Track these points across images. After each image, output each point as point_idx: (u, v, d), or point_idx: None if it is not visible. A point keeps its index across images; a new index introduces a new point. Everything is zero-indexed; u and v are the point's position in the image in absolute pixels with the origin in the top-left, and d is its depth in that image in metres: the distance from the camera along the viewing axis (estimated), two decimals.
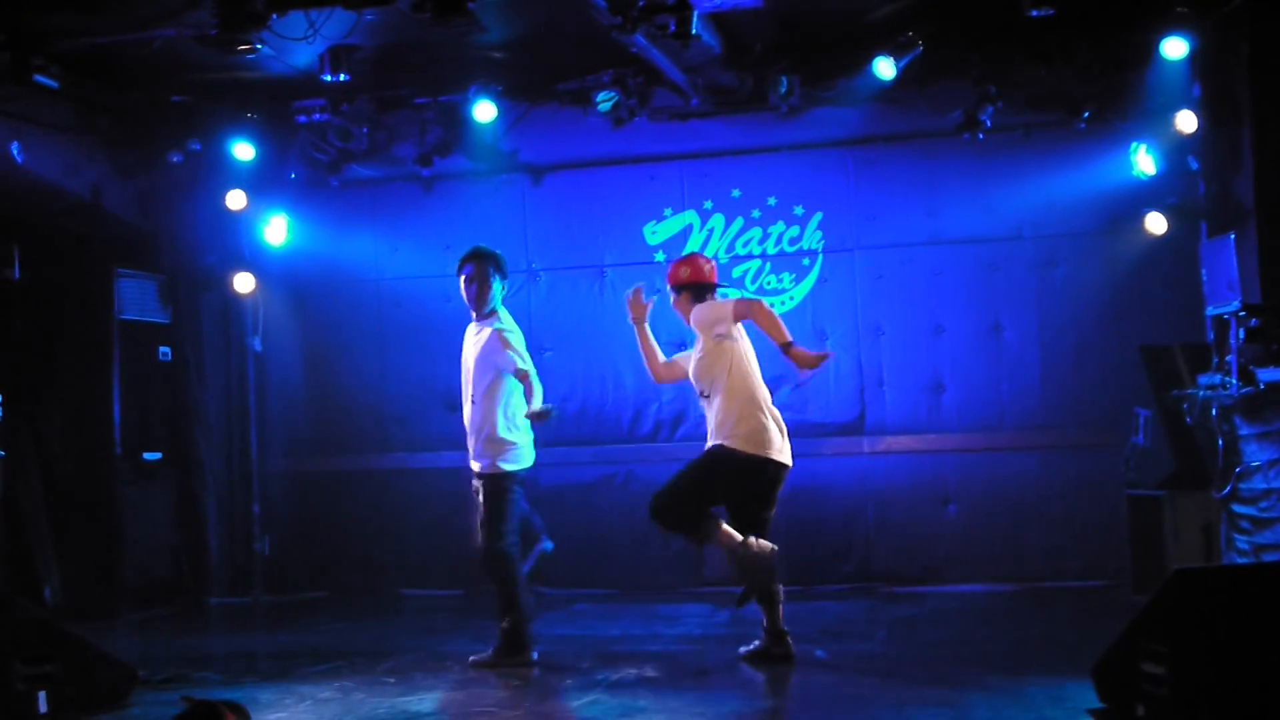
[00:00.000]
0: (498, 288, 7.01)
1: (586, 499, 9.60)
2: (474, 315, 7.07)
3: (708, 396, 6.80)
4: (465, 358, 7.10)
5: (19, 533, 8.94)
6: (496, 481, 6.88)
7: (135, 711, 6.15)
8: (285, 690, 6.49)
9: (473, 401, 6.97)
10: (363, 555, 10.06)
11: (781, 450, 6.71)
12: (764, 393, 6.80)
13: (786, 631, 6.73)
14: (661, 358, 7.19)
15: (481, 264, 7.02)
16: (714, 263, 7.33)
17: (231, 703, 4.91)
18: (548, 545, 7.28)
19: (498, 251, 7.11)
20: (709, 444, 6.77)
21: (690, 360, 6.95)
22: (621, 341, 9.74)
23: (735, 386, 6.70)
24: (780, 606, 6.73)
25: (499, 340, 6.87)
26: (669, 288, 7.07)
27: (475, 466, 6.99)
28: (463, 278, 7.04)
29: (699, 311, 6.83)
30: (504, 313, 7.06)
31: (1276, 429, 7.17)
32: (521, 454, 6.96)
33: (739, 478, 6.65)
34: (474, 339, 7.06)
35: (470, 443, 7.02)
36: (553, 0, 7.70)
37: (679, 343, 8.49)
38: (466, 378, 7.06)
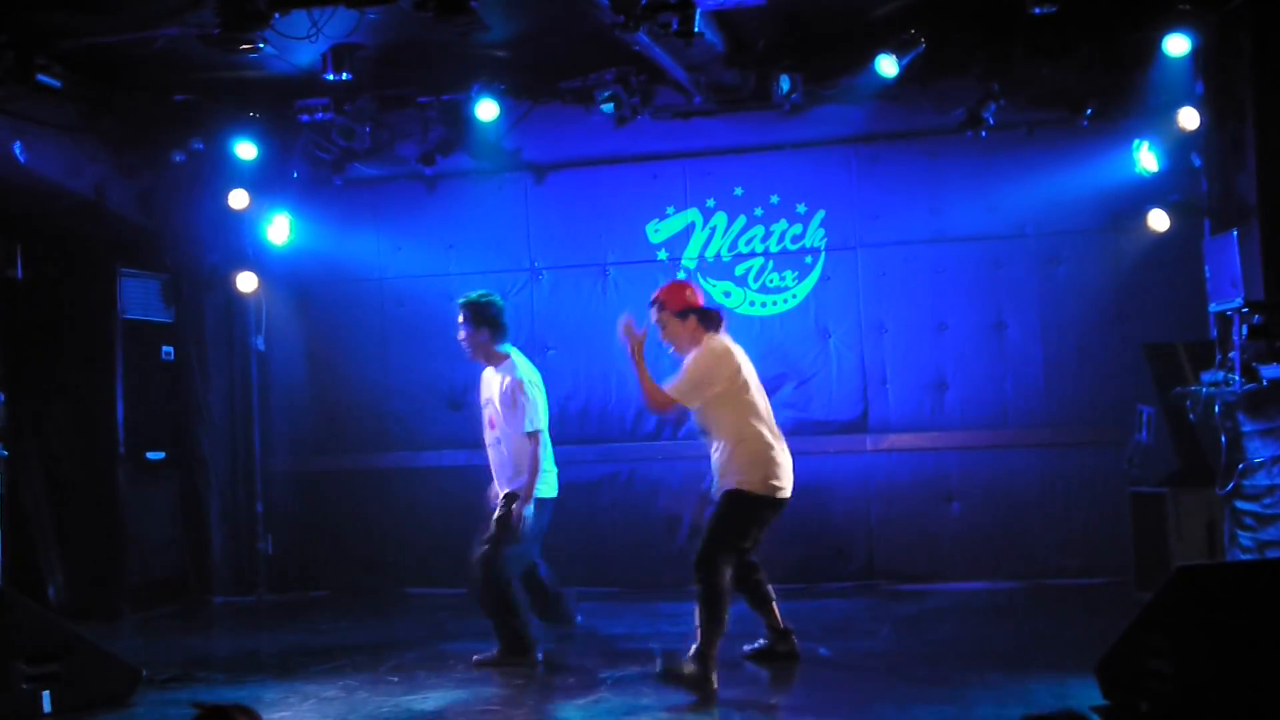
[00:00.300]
0: (488, 336, 7.11)
1: (590, 498, 9.58)
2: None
3: (707, 434, 6.60)
4: (489, 399, 7.18)
5: (22, 532, 8.95)
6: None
7: (138, 711, 6.16)
8: (289, 689, 6.50)
9: (501, 441, 7.10)
10: (366, 554, 10.06)
11: (790, 480, 6.55)
12: (767, 422, 6.51)
13: (790, 629, 6.74)
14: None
15: (466, 315, 7.14)
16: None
17: (242, 706, 4.89)
18: (578, 619, 7.68)
19: (485, 299, 7.17)
20: (721, 485, 6.50)
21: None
22: None
23: (738, 429, 6.44)
24: (774, 604, 6.78)
25: (522, 394, 6.98)
26: (667, 312, 6.58)
27: (504, 489, 7.07)
28: None
29: (698, 365, 6.45)
30: (517, 359, 7.15)
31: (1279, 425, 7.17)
32: (550, 481, 7.14)
33: (761, 515, 6.50)
34: (495, 382, 7.14)
35: (498, 477, 7.15)
36: None
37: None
38: (495, 419, 7.13)
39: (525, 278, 9.88)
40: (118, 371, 9.39)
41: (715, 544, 6.34)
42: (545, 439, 7.09)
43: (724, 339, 6.59)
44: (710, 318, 6.64)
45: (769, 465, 6.43)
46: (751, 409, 6.47)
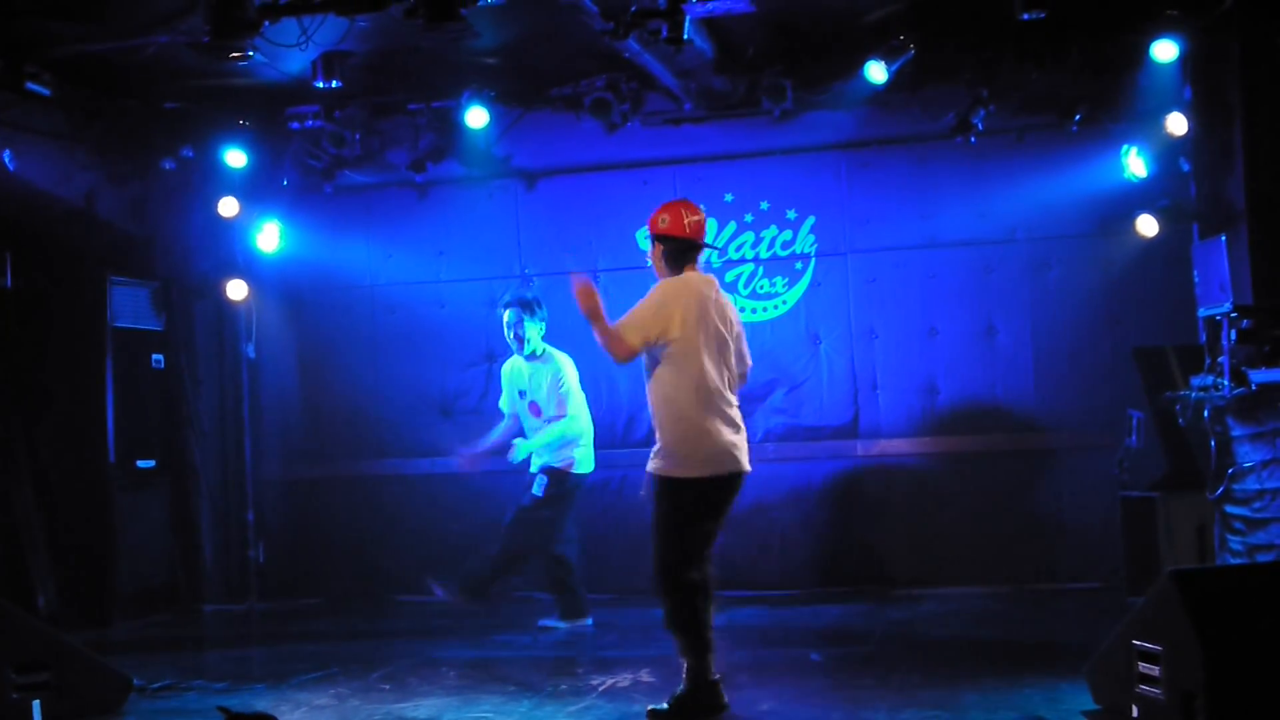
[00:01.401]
0: (531, 329, 8.20)
1: (581, 504, 9.57)
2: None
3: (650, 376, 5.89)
4: (528, 388, 8.32)
5: (12, 540, 8.92)
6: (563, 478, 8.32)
7: None
8: (281, 697, 6.49)
9: (546, 423, 8.30)
10: (357, 561, 10.05)
11: (736, 456, 5.80)
12: (707, 392, 5.73)
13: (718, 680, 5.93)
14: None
15: (516, 311, 8.22)
16: (702, 214, 6.10)
17: (265, 715, 4.89)
18: (588, 622, 8.28)
19: (525, 295, 8.29)
20: (655, 469, 5.80)
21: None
22: None
23: (666, 394, 5.77)
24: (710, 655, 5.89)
25: (560, 384, 8.24)
26: (650, 235, 6.04)
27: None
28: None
29: (648, 300, 5.86)
30: (553, 353, 8.29)
31: (1269, 430, 7.19)
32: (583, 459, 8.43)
33: (709, 500, 5.78)
34: (533, 371, 8.29)
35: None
36: (545, 5, 7.71)
37: None
38: (537, 404, 8.30)
39: (516, 284, 9.87)
40: (108, 379, 9.37)
41: (667, 550, 5.74)
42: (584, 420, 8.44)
43: (694, 278, 5.89)
44: (681, 256, 5.89)
45: (700, 440, 5.71)
46: (691, 372, 5.73)
